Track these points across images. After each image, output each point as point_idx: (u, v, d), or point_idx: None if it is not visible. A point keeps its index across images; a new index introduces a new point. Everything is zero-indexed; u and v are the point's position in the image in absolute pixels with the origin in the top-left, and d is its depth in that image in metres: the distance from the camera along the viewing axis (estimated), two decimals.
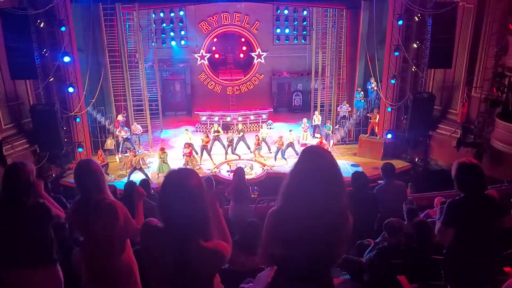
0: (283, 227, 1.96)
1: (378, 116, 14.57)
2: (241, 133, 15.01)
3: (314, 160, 2.02)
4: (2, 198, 3.35)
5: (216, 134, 14.69)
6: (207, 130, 15.90)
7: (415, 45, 13.23)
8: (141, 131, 15.45)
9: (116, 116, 15.29)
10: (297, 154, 14.59)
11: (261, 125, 16.68)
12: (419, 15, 12.69)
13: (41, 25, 11.88)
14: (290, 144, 14.46)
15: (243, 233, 5.07)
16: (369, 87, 15.97)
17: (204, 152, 14.37)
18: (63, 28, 12.26)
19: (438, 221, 3.64)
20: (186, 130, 15.25)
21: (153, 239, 2.30)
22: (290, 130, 15.08)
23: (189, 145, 13.85)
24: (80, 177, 3.23)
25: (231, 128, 16.87)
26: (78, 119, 13.50)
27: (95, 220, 3.17)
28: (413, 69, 13.56)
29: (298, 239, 1.90)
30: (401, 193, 6.40)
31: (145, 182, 8.11)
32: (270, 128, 17.37)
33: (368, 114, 15.23)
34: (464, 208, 3.45)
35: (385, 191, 6.10)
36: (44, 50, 12.15)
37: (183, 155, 13.78)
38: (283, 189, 2.03)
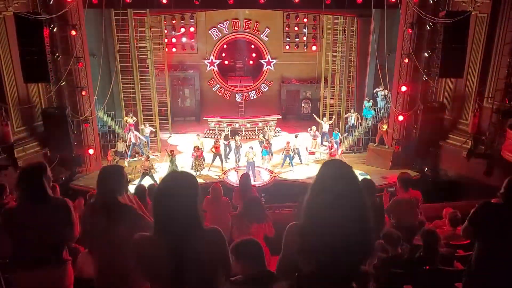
0: (310, 243, 1.93)
1: (386, 126, 14.46)
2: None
3: (337, 173, 2.00)
4: (21, 198, 3.37)
5: (226, 140, 14.76)
6: (217, 137, 15.89)
7: (426, 54, 13.15)
8: (148, 133, 15.47)
9: (126, 121, 15.41)
10: (301, 161, 14.57)
11: (265, 130, 16.49)
12: (430, 24, 12.63)
13: (54, 30, 12.07)
14: (296, 151, 14.43)
15: (245, 206, 5.39)
16: (378, 94, 15.88)
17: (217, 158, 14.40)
18: (73, 32, 12.44)
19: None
20: (198, 135, 15.28)
21: (148, 248, 2.32)
22: (296, 136, 15.00)
23: (199, 148, 13.94)
24: (105, 179, 3.35)
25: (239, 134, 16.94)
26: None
27: (118, 223, 3.27)
28: (424, 78, 13.47)
29: (326, 255, 1.87)
30: (418, 202, 6.33)
31: (152, 188, 8.14)
32: (278, 135, 17.36)
33: (379, 125, 15.09)
34: (497, 213, 3.31)
35: (404, 202, 6.03)
36: (57, 55, 12.34)
37: (192, 156, 13.81)
38: (306, 203, 2.00)
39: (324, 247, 1.87)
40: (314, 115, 16.29)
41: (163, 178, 2.40)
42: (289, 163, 14.30)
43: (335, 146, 14.65)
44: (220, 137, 15.35)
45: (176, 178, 2.38)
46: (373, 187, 5.84)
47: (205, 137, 16.81)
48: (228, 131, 15.58)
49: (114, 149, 14.25)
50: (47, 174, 3.38)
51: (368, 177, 12.23)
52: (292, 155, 14.34)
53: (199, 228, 2.31)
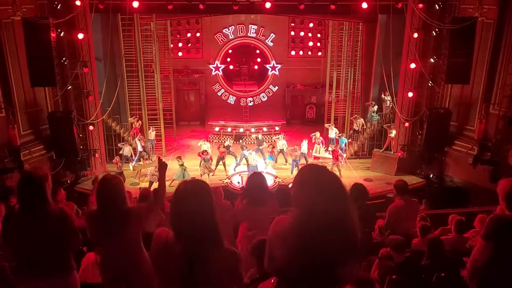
0: (286, 240, 1.93)
1: (394, 132, 14.38)
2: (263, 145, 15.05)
3: (317, 177, 1.98)
4: (19, 205, 3.35)
5: (226, 149, 14.77)
6: (221, 143, 15.84)
7: (432, 60, 13.11)
8: (153, 137, 15.48)
9: (131, 124, 15.46)
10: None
11: (278, 137, 16.42)
12: (436, 29, 12.60)
13: (61, 34, 12.17)
14: (303, 154, 14.42)
15: (247, 186, 5.33)
16: (385, 99, 15.81)
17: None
18: (80, 35, 12.51)
19: (477, 238, 3.47)
20: (204, 141, 15.23)
21: (165, 249, 2.32)
22: (305, 139, 14.98)
23: (207, 152, 13.98)
24: (105, 192, 3.47)
25: (244, 139, 16.94)
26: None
27: (123, 226, 3.40)
28: (429, 84, 13.42)
29: (302, 255, 1.86)
30: (415, 211, 6.28)
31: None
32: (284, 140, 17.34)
33: (384, 126, 15.00)
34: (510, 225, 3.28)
35: (399, 208, 5.99)
36: (64, 59, 12.42)
37: (209, 160, 13.83)
38: (296, 205, 1.98)
39: (309, 249, 1.85)
40: (329, 130, 16.05)
41: (177, 186, 2.40)
42: (296, 168, 14.29)
43: (340, 152, 14.65)
44: (223, 144, 15.28)
45: (190, 186, 2.37)
46: (364, 191, 5.79)
47: (209, 142, 16.81)
48: (230, 142, 15.46)
49: (121, 154, 14.25)
50: (48, 182, 3.34)
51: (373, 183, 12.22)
52: (299, 160, 14.34)
53: (218, 242, 2.30)
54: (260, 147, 14.99)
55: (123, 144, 14.41)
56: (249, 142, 16.83)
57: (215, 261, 2.24)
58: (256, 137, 15.83)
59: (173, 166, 13.90)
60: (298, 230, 1.89)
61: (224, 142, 15.41)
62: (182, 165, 13.36)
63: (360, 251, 1.98)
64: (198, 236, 2.22)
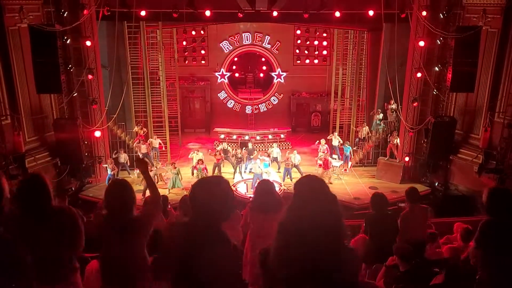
0: (282, 264, 1.90)
1: (397, 139, 14.34)
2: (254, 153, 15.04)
3: (311, 188, 1.99)
4: (24, 209, 3.26)
5: (222, 154, 14.76)
6: (215, 150, 15.75)
7: (437, 68, 13.12)
8: (157, 145, 15.47)
9: (136, 132, 15.50)
10: (301, 174, 14.50)
11: (271, 144, 16.45)
12: (441, 38, 12.62)
13: (68, 42, 12.28)
14: (295, 165, 14.37)
15: (256, 195, 5.32)
16: (390, 108, 15.80)
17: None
18: (88, 43, 12.61)
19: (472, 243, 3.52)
20: (195, 152, 15.04)
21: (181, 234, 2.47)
22: (294, 150, 14.99)
23: (202, 162, 14.05)
24: (114, 197, 3.47)
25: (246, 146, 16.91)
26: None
27: (129, 234, 3.43)
28: (434, 92, 13.41)
29: (298, 269, 1.85)
30: (425, 218, 6.26)
31: (165, 199, 8.23)
32: (289, 147, 17.32)
33: (389, 138, 14.99)
34: (496, 229, 3.35)
35: (411, 215, 5.97)
36: (70, 66, 12.52)
37: (202, 170, 13.90)
38: (281, 224, 1.98)
39: (296, 262, 1.84)
40: (332, 138, 16.02)
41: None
42: (288, 176, 14.25)
43: (345, 160, 14.62)
44: (218, 149, 15.26)
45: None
46: (384, 200, 5.78)
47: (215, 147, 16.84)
48: (226, 146, 15.47)
49: (115, 157, 14.15)
50: (47, 186, 3.25)
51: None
52: (291, 169, 14.31)
53: (222, 236, 2.41)
54: (251, 156, 14.99)
55: (117, 152, 14.33)
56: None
57: (214, 255, 2.32)
58: (245, 146, 15.76)
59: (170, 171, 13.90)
60: (290, 254, 1.87)
61: (217, 146, 15.35)
62: (176, 173, 13.37)
63: (358, 258, 1.97)
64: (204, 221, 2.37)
